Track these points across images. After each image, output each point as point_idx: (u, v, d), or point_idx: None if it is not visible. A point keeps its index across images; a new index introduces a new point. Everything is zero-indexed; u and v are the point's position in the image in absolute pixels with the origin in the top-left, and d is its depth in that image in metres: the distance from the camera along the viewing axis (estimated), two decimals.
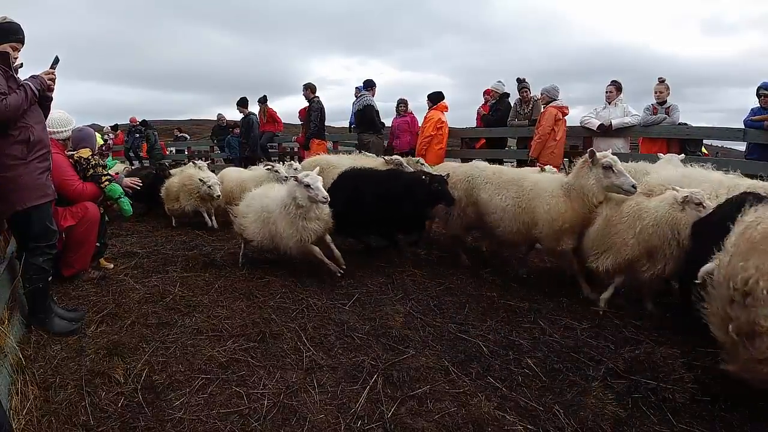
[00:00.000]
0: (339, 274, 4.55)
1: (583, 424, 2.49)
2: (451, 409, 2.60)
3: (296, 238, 4.36)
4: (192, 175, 7.02)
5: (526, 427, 2.48)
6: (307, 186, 4.18)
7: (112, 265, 4.97)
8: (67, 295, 4.13)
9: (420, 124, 8.67)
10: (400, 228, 5.14)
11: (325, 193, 4.17)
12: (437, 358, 3.13)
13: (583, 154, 4.14)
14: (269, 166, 6.40)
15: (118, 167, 9.07)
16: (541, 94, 7.30)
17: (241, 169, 8.27)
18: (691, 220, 3.42)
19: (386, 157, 6.32)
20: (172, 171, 8.13)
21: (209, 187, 6.64)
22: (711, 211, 3.36)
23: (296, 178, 4.26)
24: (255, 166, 7.83)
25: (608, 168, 3.85)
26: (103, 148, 12.77)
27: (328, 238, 4.63)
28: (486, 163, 5.15)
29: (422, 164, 6.31)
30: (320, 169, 6.59)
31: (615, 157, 3.91)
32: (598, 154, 3.94)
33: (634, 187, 3.77)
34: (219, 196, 6.68)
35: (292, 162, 6.83)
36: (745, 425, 2.49)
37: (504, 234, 4.63)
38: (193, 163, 7.81)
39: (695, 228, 3.38)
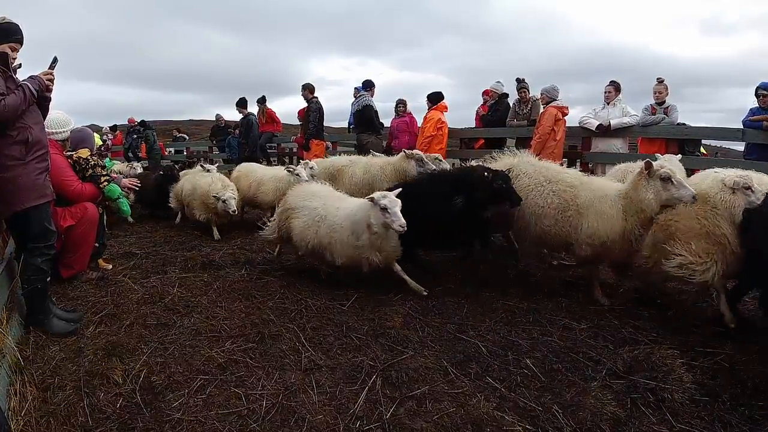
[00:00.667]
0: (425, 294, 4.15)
1: (582, 425, 2.48)
2: (450, 409, 2.60)
3: (347, 259, 4.04)
4: (207, 186, 6.36)
5: (525, 428, 2.48)
6: (384, 209, 3.71)
7: (110, 266, 4.96)
8: (66, 296, 4.13)
9: (419, 125, 8.68)
10: (461, 237, 4.43)
11: (403, 221, 3.64)
12: (436, 359, 3.13)
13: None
14: (290, 169, 6.27)
15: (119, 167, 9.00)
16: (541, 94, 7.30)
17: (260, 165, 8.01)
18: (743, 204, 3.30)
19: (407, 151, 6.13)
20: (182, 172, 7.83)
21: (224, 202, 6.14)
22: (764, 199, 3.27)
23: (372, 199, 3.77)
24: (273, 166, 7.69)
25: (667, 180, 3.54)
26: (102, 148, 12.76)
27: (397, 267, 4.22)
28: (534, 158, 4.69)
29: (440, 161, 6.23)
30: (338, 170, 6.49)
31: (672, 167, 3.65)
32: (654, 164, 3.63)
33: (694, 198, 3.46)
34: (235, 211, 6.32)
35: (308, 161, 6.69)
36: (745, 425, 2.49)
37: (537, 235, 4.28)
38: (201, 166, 7.41)
39: (752, 217, 3.25)
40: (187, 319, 3.71)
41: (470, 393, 2.75)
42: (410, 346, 3.30)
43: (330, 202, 4.39)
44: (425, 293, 4.13)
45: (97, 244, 4.63)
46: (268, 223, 5.13)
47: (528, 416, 2.57)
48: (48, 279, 3.47)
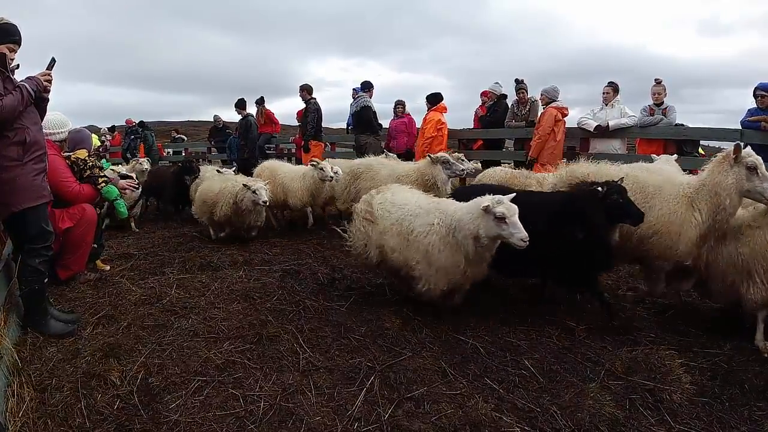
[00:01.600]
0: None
1: (581, 426, 2.48)
2: (448, 410, 2.59)
3: (440, 282, 3.39)
4: (234, 188, 5.79)
5: (523, 429, 2.47)
6: (501, 219, 3.05)
7: (108, 267, 4.95)
8: (64, 297, 4.12)
9: (417, 125, 8.70)
10: (574, 265, 3.53)
11: (525, 233, 3.00)
12: (434, 360, 3.12)
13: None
14: (314, 162, 6.10)
15: (129, 167, 8.88)
16: (541, 95, 7.32)
17: (284, 163, 7.65)
18: None
19: (432, 155, 5.77)
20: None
21: (254, 192, 5.49)
22: None
23: (486, 206, 3.09)
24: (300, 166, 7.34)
25: (753, 169, 3.25)
26: (100, 149, 12.73)
27: None
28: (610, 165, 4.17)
29: (463, 160, 6.13)
30: (362, 172, 6.21)
31: (760, 158, 3.35)
32: (743, 150, 3.33)
33: None
34: (266, 202, 5.60)
35: (333, 165, 6.30)
36: (743, 426, 2.49)
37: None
38: (217, 170, 6.90)
39: None
40: (184, 321, 3.70)
41: (468, 394, 2.75)
42: (408, 347, 3.30)
43: (420, 203, 3.68)
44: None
45: (95, 246, 4.63)
46: (348, 231, 4.22)
47: (526, 417, 2.56)
48: (46, 280, 3.46)
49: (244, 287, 4.41)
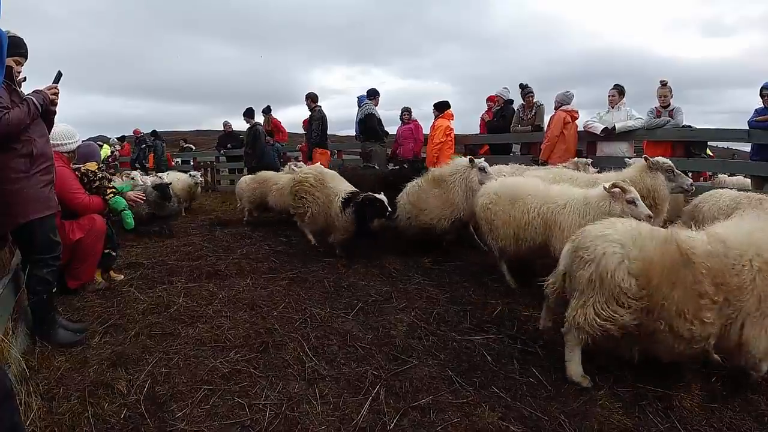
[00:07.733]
0: None
1: None
2: (454, 419, 2.57)
3: None
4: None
5: None
6: None
7: (122, 276, 4.98)
8: (72, 306, 4.15)
9: (423, 131, 8.79)
10: None
11: None
12: (441, 368, 3.10)
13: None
14: (619, 187, 3.72)
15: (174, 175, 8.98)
16: (555, 101, 7.37)
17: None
18: None
19: (651, 158, 4.19)
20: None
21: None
22: None
23: None
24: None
25: None
26: (110, 159, 12.89)
27: None
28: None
29: (587, 164, 5.75)
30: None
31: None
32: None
33: None
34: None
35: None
36: None
37: None
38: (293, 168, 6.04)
39: None
40: (191, 329, 3.71)
41: (475, 403, 2.72)
42: (414, 355, 3.28)
43: None
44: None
45: (112, 253, 4.70)
46: None
47: (534, 426, 2.53)
48: (54, 290, 3.50)
49: (250, 296, 4.42)
